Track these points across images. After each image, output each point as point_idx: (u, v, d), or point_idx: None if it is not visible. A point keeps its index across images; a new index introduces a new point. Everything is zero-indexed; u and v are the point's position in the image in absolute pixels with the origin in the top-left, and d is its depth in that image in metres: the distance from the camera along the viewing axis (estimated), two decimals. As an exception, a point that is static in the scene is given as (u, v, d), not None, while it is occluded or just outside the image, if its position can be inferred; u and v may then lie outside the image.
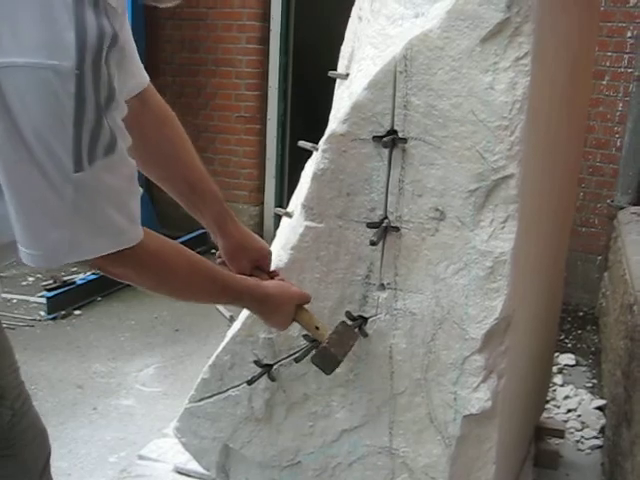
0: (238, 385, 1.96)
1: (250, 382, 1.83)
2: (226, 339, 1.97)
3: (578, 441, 3.23)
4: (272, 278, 1.65)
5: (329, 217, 1.69)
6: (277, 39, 5.28)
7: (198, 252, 4.84)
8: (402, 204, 1.62)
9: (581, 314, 4.79)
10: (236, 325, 1.95)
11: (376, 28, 1.71)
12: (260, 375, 1.87)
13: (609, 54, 4.53)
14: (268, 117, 5.41)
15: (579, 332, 4.53)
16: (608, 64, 4.55)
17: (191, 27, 5.29)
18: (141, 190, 1.20)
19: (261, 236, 5.64)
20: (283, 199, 5.50)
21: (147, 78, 1.49)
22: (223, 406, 2.02)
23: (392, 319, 1.71)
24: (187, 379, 3.53)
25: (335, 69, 2.07)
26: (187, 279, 1.32)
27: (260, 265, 1.67)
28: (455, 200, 1.58)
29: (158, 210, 5.06)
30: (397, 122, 1.58)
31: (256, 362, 1.88)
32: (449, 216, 1.59)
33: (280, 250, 1.79)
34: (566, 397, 3.61)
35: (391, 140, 1.57)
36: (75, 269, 4.83)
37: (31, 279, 4.87)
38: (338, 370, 1.81)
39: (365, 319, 1.74)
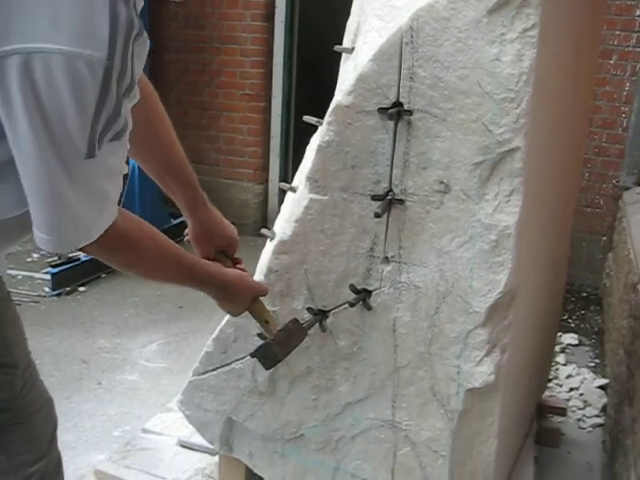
0: (242, 358, 1.97)
1: (253, 355, 1.84)
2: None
3: (580, 419, 3.24)
4: (235, 264, 1.69)
5: (334, 190, 1.69)
6: (282, 16, 5.24)
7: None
8: (407, 177, 1.62)
9: (585, 294, 4.79)
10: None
11: (382, 0, 1.70)
12: (262, 347, 1.87)
13: (617, 33, 4.49)
14: (273, 95, 5.39)
15: (582, 312, 4.53)
16: (616, 43, 4.51)
17: (196, 4, 5.25)
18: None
19: (266, 213, 5.61)
20: (287, 177, 5.49)
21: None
22: (227, 379, 2.03)
23: (396, 292, 1.72)
24: (191, 355, 3.55)
25: (340, 45, 2.06)
26: (153, 262, 1.36)
27: (225, 251, 1.70)
28: (460, 173, 1.57)
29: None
30: (403, 94, 1.57)
31: (260, 335, 1.89)
32: (454, 189, 1.59)
33: (284, 223, 1.79)
34: (569, 376, 3.62)
35: (396, 112, 1.56)
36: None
37: (36, 256, 4.88)
38: (341, 344, 1.83)
39: (369, 292, 1.75)
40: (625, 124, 4.60)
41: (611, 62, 4.54)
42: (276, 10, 5.25)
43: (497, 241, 1.60)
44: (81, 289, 4.39)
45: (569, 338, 4.08)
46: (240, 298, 1.60)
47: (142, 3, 1.17)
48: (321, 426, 1.96)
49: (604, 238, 4.76)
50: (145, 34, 1.12)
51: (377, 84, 1.58)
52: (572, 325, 4.33)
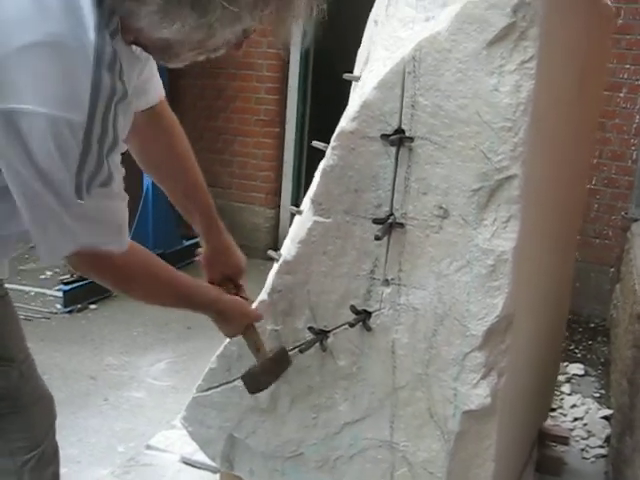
0: (244, 376, 2.01)
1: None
2: (234, 330, 2.02)
3: (583, 449, 3.24)
4: (238, 291, 1.80)
5: (337, 212, 1.74)
6: (298, 43, 5.34)
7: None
8: (408, 201, 1.67)
9: (592, 325, 4.80)
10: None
11: (388, 31, 1.76)
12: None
13: (627, 66, 4.54)
14: (287, 121, 5.48)
15: (589, 343, 4.53)
16: (626, 76, 4.56)
17: (213, 31, 5.37)
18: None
19: (277, 237, 5.68)
20: (299, 202, 5.53)
21: (161, 95, 1.66)
22: (230, 396, 2.07)
23: (395, 314, 1.76)
24: (197, 374, 3.53)
25: (351, 73, 2.12)
26: (150, 292, 1.49)
27: (231, 277, 1.81)
28: (459, 199, 1.62)
29: (177, 212, 5.13)
30: (405, 121, 1.63)
31: (261, 354, 1.93)
32: (453, 214, 1.63)
33: (289, 244, 1.84)
34: (573, 406, 3.62)
35: (398, 139, 1.62)
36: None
37: (49, 273, 4.95)
38: (341, 363, 1.87)
39: (369, 313, 1.79)
40: (634, 156, 4.64)
41: (621, 95, 4.60)
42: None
43: (494, 266, 1.64)
44: (92, 307, 4.45)
45: (575, 368, 4.09)
46: (235, 323, 1.72)
47: (139, 68, 1.31)
48: (320, 445, 1.99)
49: (612, 269, 4.78)
50: (129, 97, 1.23)
51: (380, 111, 1.64)
52: (579, 355, 4.34)
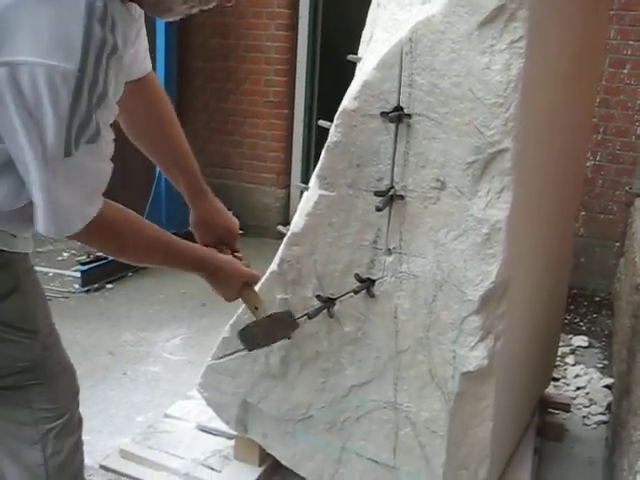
0: (256, 343, 2.13)
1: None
2: (246, 301, 2.14)
3: (585, 417, 3.33)
4: (233, 254, 1.80)
5: (340, 186, 1.85)
6: (305, 26, 5.41)
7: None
8: (407, 174, 1.77)
9: (597, 299, 4.88)
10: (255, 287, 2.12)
11: (387, 14, 1.85)
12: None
13: (631, 43, 4.58)
14: (295, 102, 5.56)
15: (594, 316, 4.62)
16: (630, 52, 4.61)
17: (222, 13, 5.43)
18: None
19: (287, 217, 5.77)
20: (308, 181, 5.65)
21: (149, 66, 1.71)
22: (242, 363, 2.19)
23: (397, 281, 1.87)
24: (211, 349, 3.68)
25: (355, 54, 2.21)
26: (140, 247, 1.51)
27: (226, 241, 1.82)
28: (455, 171, 1.72)
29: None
30: (403, 99, 1.73)
31: (274, 321, 2.04)
32: (449, 186, 1.74)
33: (296, 217, 1.95)
34: (576, 376, 3.72)
35: (397, 116, 1.72)
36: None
37: (66, 254, 5.08)
38: (347, 329, 1.98)
39: (372, 281, 1.90)
40: (638, 132, 4.70)
41: (625, 71, 4.64)
42: (299, 20, 5.42)
43: (489, 234, 1.74)
44: (108, 286, 4.57)
45: (580, 340, 4.18)
46: (230, 282, 1.72)
47: (134, 26, 1.36)
48: (329, 408, 2.11)
49: (617, 244, 4.85)
50: (120, 51, 1.29)
51: (380, 90, 1.74)
52: (583, 328, 4.43)
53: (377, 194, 1.78)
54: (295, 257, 1.96)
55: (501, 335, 1.89)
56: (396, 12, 1.81)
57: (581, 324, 4.48)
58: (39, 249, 5.14)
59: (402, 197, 1.79)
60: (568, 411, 3.20)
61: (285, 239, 2.00)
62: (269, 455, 2.36)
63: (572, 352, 4.03)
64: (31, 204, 1.34)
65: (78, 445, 1.68)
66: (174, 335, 3.94)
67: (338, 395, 2.08)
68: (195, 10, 1.40)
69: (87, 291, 4.45)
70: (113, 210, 1.44)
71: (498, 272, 1.77)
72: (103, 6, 1.21)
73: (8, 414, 1.54)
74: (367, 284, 1.89)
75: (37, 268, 4.62)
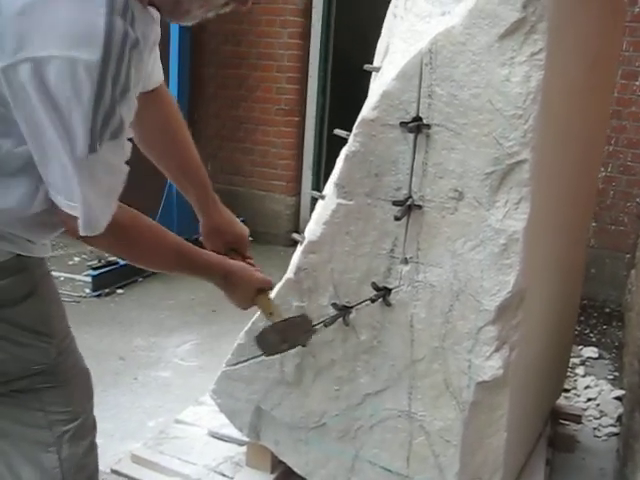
0: (271, 350, 2.14)
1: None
2: (261, 308, 2.15)
3: (595, 428, 3.33)
4: (244, 261, 1.80)
5: (359, 195, 1.86)
6: (318, 34, 5.45)
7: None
8: (425, 185, 1.78)
9: (607, 310, 4.88)
10: (271, 294, 2.13)
11: (407, 25, 1.87)
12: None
13: (642, 55, 4.61)
14: (307, 110, 5.59)
15: (604, 327, 4.62)
16: (641, 65, 4.63)
17: (235, 21, 5.47)
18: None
19: (297, 224, 5.78)
20: (319, 189, 5.63)
21: (162, 78, 1.72)
22: (257, 369, 2.20)
23: (413, 290, 1.87)
24: (222, 355, 3.66)
25: (371, 64, 2.23)
26: (151, 252, 1.52)
27: (236, 248, 1.83)
28: (473, 182, 1.73)
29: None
30: (422, 110, 1.74)
31: (291, 329, 2.05)
32: (467, 196, 1.75)
33: (314, 225, 1.96)
34: (587, 387, 3.72)
35: (416, 126, 1.73)
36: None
37: (77, 259, 5.11)
38: (362, 338, 1.98)
39: (389, 290, 1.91)
40: (650, 144, 4.71)
41: (637, 83, 4.65)
42: (312, 29, 5.45)
43: (506, 245, 1.75)
44: (119, 291, 4.59)
45: (590, 351, 4.18)
46: (243, 288, 1.71)
47: (154, 28, 1.37)
48: (342, 415, 2.12)
49: (627, 255, 4.85)
50: (141, 45, 1.29)
51: (399, 100, 1.75)
52: (593, 339, 4.43)
53: (395, 203, 1.79)
54: (312, 265, 1.98)
55: (516, 345, 1.90)
56: (415, 23, 1.83)
57: (591, 335, 4.48)
58: (50, 253, 5.17)
59: (420, 207, 1.80)
60: (579, 422, 3.20)
61: (301, 247, 2.01)
62: (281, 462, 2.37)
63: (582, 363, 4.03)
64: (47, 211, 1.35)
65: (92, 447, 1.69)
66: (185, 341, 3.96)
67: (352, 403, 2.09)
68: (212, 14, 1.40)
69: (98, 296, 4.47)
70: (129, 215, 1.46)
71: (515, 282, 1.78)
72: (124, 1, 1.22)
73: (22, 417, 1.54)
74: (383, 293, 1.90)
75: (49, 272, 4.61)
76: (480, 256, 1.78)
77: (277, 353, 1.86)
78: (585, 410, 3.46)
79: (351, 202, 1.88)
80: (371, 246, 1.89)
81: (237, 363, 2.24)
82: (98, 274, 4.54)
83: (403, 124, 1.75)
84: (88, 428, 1.68)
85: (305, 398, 2.15)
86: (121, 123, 1.28)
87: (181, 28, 4.66)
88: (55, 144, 1.23)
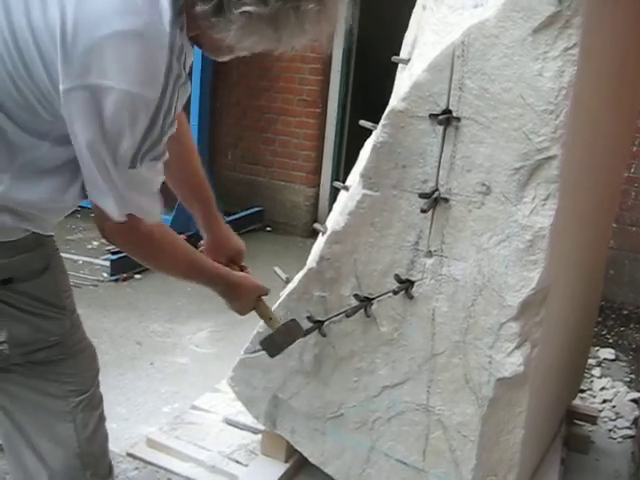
0: (291, 339, 2.14)
1: (304, 335, 2.00)
2: (282, 297, 2.15)
3: (611, 430, 3.31)
4: (242, 270, 1.93)
5: (385, 186, 1.85)
6: (342, 25, 5.42)
7: (253, 229, 5.08)
8: (452, 178, 1.77)
9: (625, 312, 4.84)
10: (292, 284, 2.13)
11: (438, 16, 1.86)
12: (312, 330, 2.04)
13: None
14: (329, 101, 5.57)
15: (622, 329, 4.59)
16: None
17: (260, 11, 5.47)
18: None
19: (316, 216, 5.76)
20: (339, 181, 5.65)
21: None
22: (275, 358, 2.19)
23: (436, 284, 1.87)
24: (238, 343, 3.68)
25: (397, 55, 2.23)
26: (170, 261, 1.61)
27: (234, 260, 1.95)
28: (501, 176, 1.72)
29: (219, 188, 5.26)
30: (452, 102, 1.73)
31: (309, 318, 2.06)
32: (494, 191, 1.74)
33: (338, 215, 1.96)
34: (602, 388, 3.70)
35: (446, 119, 1.72)
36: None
37: (96, 243, 5.13)
38: (383, 330, 1.98)
39: (412, 282, 1.90)
40: (674, 145, 4.65)
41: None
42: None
43: (532, 241, 1.74)
44: (137, 276, 4.61)
45: (606, 353, 4.15)
46: (245, 296, 1.85)
47: (191, 59, 1.45)
48: (360, 407, 2.12)
49: (647, 257, 4.81)
50: (188, 83, 1.41)
51: (429, 92, 1.75)
52: (610, 341, 4.40)
53: (421, 196, 1.78)
54: (335, 255, 1.97)
55: (538, 342, 1.89)
56: (447, 15, 1.82)
57: (608, 337, 4.45)
58: (69, 237, 5.20)
59: (446, 200, 1.79)
60: (594, 423, 3.18)
61: (323, 237, 2.01)
62: (296, 451, 2.37)
63: (598, 364, 4.00)
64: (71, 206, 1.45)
65: (102, 419, 1.75)
66: (201, 328, 3.97)
67: (370, 395, 2.09)
68: (248, 54, 1.45)
69: (116, 280, 4.49)
70: (158, 227, 1.53)
71: (539, 279, 1.77)
72: (180, 44, 1.31)
73: (40, 387, 1.60)
74: (406, 285, 1.89)
75: (67, 255, 4.69)
76: (505, 251, 1.77)
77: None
78: (600, 411, 3.44)
79: (377, 193, 1.87)
80: (395, 238, 1.89)
81: (255, 351, 2.24)
82: (117, 258, 4.57)
83: (432, 116, 1.74)
84: (97, 400, 1.74)
85: (323, 388, 2.15)
86: (164, 150, 1.40)
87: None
88: (99, 157, 1.33)
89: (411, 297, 1.90)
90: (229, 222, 5.81)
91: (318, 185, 5.71)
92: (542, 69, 1.62)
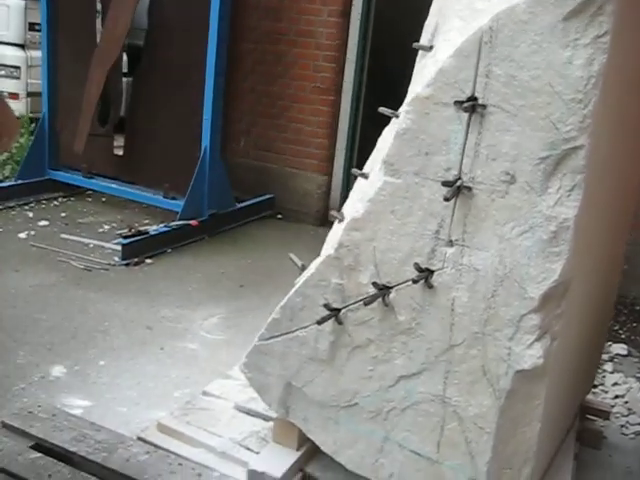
0: (306, 326, 2.12)
1: (320, 322, 1.98)
2: (298, 283, 2.13)
3: (623, 426, 3.29)
4: None
5: (407, 174, 1.83)
6: (358, 14, 5.38)
7: (264, 216, 5.05)
8: (476, 166, 1.75)
9: (638, 308, 4.81)
10: (309, 271, 2.11)
11: (465, 2, 1.82)
12: (329, 317, 2.02)
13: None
14: (343, 90, 5.53)
15: (634, 325, 4.56)
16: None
17: (276, -3, 5.46)
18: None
19: (328, 204, 5.75)
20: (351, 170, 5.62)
21: None
22: (290, 345, 2.18)
23: (457, 273, 1.84)
24: (249, 331, 3.70)
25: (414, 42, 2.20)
26: None
27: None
28: (526, 166, 1.69)
29: (231, 175, 5.24)
30: (478, 89, 1.70)
31: (326, 305, 2.04)
32: (519, 180, 1.71)
33: (357, 203, 1.94)
34: (615, 384, 3.67)
35: (471, 106, 1.69)
36: (148, 221, 5.12)
37: (107, 227, 5.13)
38: (401, 319, 1.96)
39: (432, 271, 1.88)
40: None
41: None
42: (352, 8, 5.39)
43: (556, 232, 1.71)
44: (148, 261, 4.60)
45: (619, 348, 4.12)
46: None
47: None
48: (374, 396, 2.10)
49: (662, 253, 4.76)
50: None
51: (455, 79, 1.72)
52: (622, 336, 4.37)
53: (444, 184, 1.76)
54: (354, 242, 1.95)
55: (557, 335, 1.87)
56: (474, 1, 1.78)
57: (620, 332, 4.42)
58: (80, 220, 5.20)
59: (469, 189, 1.76)
60: (607, 419, 3.16)
61: (343, 224, 1.98)
62: (307, 440, 2.36)
63: (610, 360, 3.98)
64: None
65: None
66: (211, 314, 3.96)
67: (385, 384, 2.07)
68: None
69: (127, 264, 4.49)
70: None
71: (562, 271, 1.74)
72: None
73: None
74: (426, 274, 1.87)
75: (78, 239, 4.68)
76: (528, 242, 1.74)
77: None
78: (612, 407, 3.41)
79: (398, 180, 1.84)
80: (416, 226, 1.86)
81: (270, 338, 2.22)
82: (129, 242, 4.56)
83: (458, 103, 1.71)
84: None
85: (338, 376, 2.13)
86: None
87: (222, 1, 4.63)
88: None
89: (430, 286, 1.87)
90: (240, 209, 5.82)
91: (330, 173, 5.68)
92: (572, 57, 1.59)
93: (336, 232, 2.18)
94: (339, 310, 2.03)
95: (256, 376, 2.33)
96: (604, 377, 3.71)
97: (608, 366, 3.85)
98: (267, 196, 5.68)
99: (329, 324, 2.06)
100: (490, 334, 1.85)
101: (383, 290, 1.93)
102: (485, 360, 1.88)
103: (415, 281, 1.85)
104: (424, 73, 1.81)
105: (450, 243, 1.84)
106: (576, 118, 1.62)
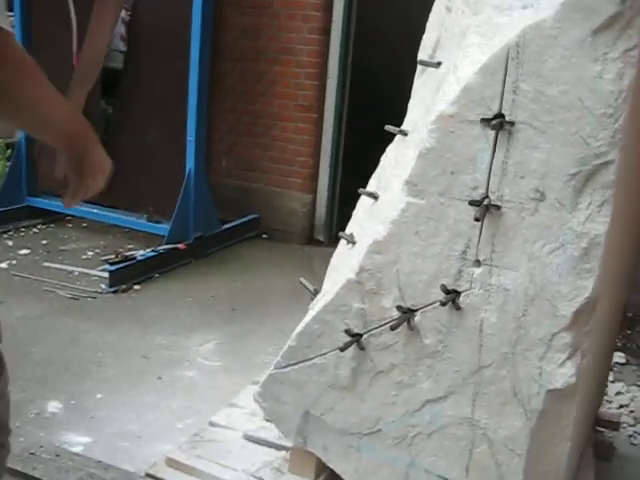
0: (325, 353, 2.06)
1: (343, 349, 1.93)
2: (316, 309, 2.07)
3: (631, 436, 3.27)
4: None
5: (431, 194, 1.79)
6: (339, 30, 5.34)
7: (249, 237, 4.98)
8: (504, 184, 1.71)
9: (630, 315, 4.82)
10: (327, 296, 2.05)
11: (482, 18, 1.79)
12: (351, 343, 1.96)
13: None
14: (325, 107, 5.49)
15: (629, 332, 4.56)
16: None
17: (255, 14, 5.38)
18: None
19: (313, 222, 5.70)
20: (336, 188, 5.57)
21: None
22: (308, 373, 2.12)
23: (485, 294, 1.80)
24: (245, 356, 3.65)
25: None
26: (37, 81, 1.33)
27: None
28: (556, 182, 1.66)
29: (214, 195, 5.16)
30: (505, 106, 1.67)
31: (347, 331, 1.98)
32: (549, 197, 1.68)
33: (379, 225, 1.89)
34: (618, 393, 3.66)
35: (499, 123, 1.66)
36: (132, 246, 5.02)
37: (90, 253, 5.01)
38: (427, 342, 1.91)
39: (459, 293, 1.83)
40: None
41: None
42: (333, 24, 5.36)
43: (587, 249, 1.68)
44: (136, 287, 4.50)
45: (616, 357, 4.12)
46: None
47: None
48: (399, 422, 2.05)
49: (651, 260, 4.79)
50: None
51: (481, 96, 1.68)
52: (619, 344, 4.37)
53: (471, 203, 1.72)
54: (376, 266, 1.90)
55: (587, 352, 1.84)
56: (493, 16, 1.75)
57: (616, 340, 4.42)
58: (62, 247, 5.08)
59: (498, 207, 1.73)
60: (616, 429, 3.14)
61: (365, 247, 1.93)
62: (325, 469, 2.29)
63: (610, 369, 3.97)
64: None
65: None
66: (206, 340, 3.87)
67: (410, 409, 2.01)
68: None
69: (115, 292, 4.38)
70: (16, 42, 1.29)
71: (593, 287, 1.71)
72: None
73: None
74: (453, 296, 1.83)
75: (62, 266, 4.56)
76: (559, 260, 1.71)
77: None
78: (619, 417, 3.40)
79: (422, 201, 1.80)
80: (442, 247, 1.82)
81: (287, 366, 2.16)
82: (116, 269, 4.46)
83: (484, 121, 1.68)
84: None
85: (360, 403, 2.08)
86: None
87: (203, 22, 4.58)
88: None
89: (458, 308, 1.83)
90: (226, 230, 5.71)
91: (315, 191, 5.63)
92: (602, 71, 1.56)
93: (343, 253, 2.14)
94: (361, 335, 1.97)
95: (271, 405, 2.26)
96: (606, 387, 3.70)
97: (609, 375, 3.84)
98: (252, 216, 5.60)
99: (350, 350, 2.00)
100: (520, 354, 1.81)
101: (408, 313, 1.88)
102: (515, 381, 1.84)
103: (443, 303, 1.81)
104: (447, 91, 1.77)
105: (477, 263, 1.80)
106: (607, 133, 1.59)
